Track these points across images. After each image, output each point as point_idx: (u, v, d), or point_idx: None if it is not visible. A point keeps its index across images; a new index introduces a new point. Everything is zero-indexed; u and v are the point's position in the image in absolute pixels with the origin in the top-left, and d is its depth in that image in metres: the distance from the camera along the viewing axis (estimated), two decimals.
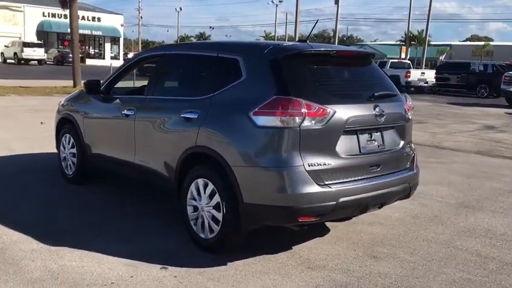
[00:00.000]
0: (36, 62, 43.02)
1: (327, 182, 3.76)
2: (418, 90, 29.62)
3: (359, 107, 4.00)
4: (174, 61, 4.96)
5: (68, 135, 6.17)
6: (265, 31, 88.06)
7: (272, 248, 4.33)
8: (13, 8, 49.26)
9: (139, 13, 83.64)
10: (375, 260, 4.21)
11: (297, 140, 3.67)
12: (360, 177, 3.97)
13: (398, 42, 69.18)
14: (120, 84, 5.78)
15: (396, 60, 35.21)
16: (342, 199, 3.77)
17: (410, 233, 4.91)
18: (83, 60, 39.88)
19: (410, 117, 4.50)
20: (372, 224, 5.13)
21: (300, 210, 3.68)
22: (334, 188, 3.77)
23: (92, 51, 58.46)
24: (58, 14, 47.67)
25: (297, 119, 3.65)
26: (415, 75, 30.12)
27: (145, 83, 5.28)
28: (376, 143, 4.13)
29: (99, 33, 55.21)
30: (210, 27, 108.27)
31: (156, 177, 4.73)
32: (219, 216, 4.01)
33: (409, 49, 59.37)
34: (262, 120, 3.73)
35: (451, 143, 10.92)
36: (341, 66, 4.26)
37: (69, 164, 6.18)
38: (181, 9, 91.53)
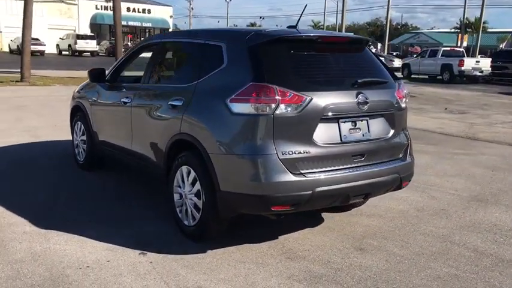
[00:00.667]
0: (89, 53, 44.51)
1: (302, 171, 3.67)
2: (472, 79, 28.37)
3: (339, 94, 3.85)
4: (166, 49, 4.98)
5: (79, 123, 6.34)
6: (313, 20, 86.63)
7: (257, 237, 4.28)
8: (68, 1, 51.04)
9: (190, 4, 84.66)
10: (360, 253, 4.07)
11: (270, 128, 3.59)
12: (340, 167, 3.84)
13: (453, 30, 66.59)
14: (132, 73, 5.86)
15: (449, 49, 33.81)
16: (318, 189, 3.67)
17: (408, 226, 4.73)
18: None
19: (403, 105, 4.31)
20: (370, 215, 4.98)
21: (273, 199, 3.60)
22: (310, 177, 3.67)
23: None
24: (110, 7, 48.93)
25: (271, 106, 3.57)
26: (469, 64, 28.75)
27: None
28: (360, 132, 3.98)
29: (149, 25, 56.41)
30: (261, 17, 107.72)
31: (148, 163, 4.78)
32: (200, 203, 4.00)
33: (467, 37, 56.87)
34: (238, 108, 3.68)
35: (487, 134, 10.41)
36: (327, 52, 4.09)
37: (81, 151, 6.36)
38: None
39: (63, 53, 45.91)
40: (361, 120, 3.98)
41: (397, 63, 37.40)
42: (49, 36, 47.05)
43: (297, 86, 3.67)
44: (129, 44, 44.17)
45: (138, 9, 54.13)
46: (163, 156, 4.41)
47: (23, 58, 18.09)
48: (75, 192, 5.46)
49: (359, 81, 3.96)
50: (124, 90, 5.27)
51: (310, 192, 3.64)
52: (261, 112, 3.58)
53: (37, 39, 42.49)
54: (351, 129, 3.92)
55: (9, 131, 8.74)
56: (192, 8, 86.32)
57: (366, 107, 3.91)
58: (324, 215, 4.91)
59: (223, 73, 3.97)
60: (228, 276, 3.60)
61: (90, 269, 3.63)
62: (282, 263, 3.83)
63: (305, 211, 4.15)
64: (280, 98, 3.58)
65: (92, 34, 47.02)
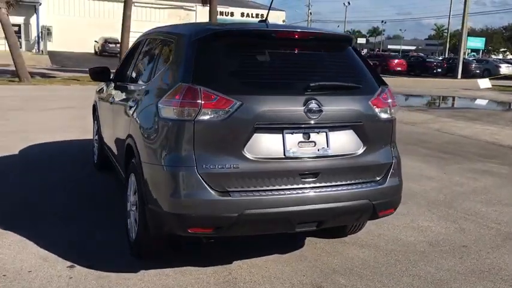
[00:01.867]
0: None
1: (228, 189, 3.08)
2: None
3: (282, 99, 3.18)
4: (143, 46, 4.62)
5: (95, 122, 6.27)
6: (435, 24, 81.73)
7: (210, 259, 3.75)
8: (187, 7, 53.52)
9: (308, 9, 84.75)
10: None
11: (191, 136, 3.05)
12: (281, 187, 3.17)
13: None
14: None
15: None
16: (247, 211, 3.06)
17: (402, 264, 3.87)
18: None
19: (384, 115, 3.50)
20: (364, 245, 4.19)
21: (190, 219, 3.06)
22: (237, 197, 3.07)
23: None
24: (225, 12, 50.50)
25: (192, 111, 3.04)
26: None
27: None
28: (315, 146, 3.26)
29: None
30: (382, 21, 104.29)
31: (119, 168, 4.49)
32: (137, 217, 3.58)
33: None
34: (164, 111, 3.20)
35: None
36: (283, 50, 3.43)
37: (95, 150, 6.28)
38: (349, 3, 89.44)
39: None
40: (318, 133, 3.27)
41: (505, 69, 36.24)
42: None
43: (229, 88, 3.10)
44: None
45: (252, 14, 55.13)
46: (123, 161, 4.08)
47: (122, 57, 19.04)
48: (66, 193, 5.31)
49: (312, 85, 3.24)
50: (116, 89, 5.04)
51: (236, 214, 3.04)
52: (182, 117, 3.07)
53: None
54: (301, 142, 3.23)
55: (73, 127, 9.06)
56: (311, 13, 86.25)
57: (317, 116, 3.20)
58: (308, 239, 4.23)
59: (166, 71, 3.52)
60: None
61: (6, 278, 3.38)
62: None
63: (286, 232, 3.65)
64: (203, 101, 3.03)
65: None
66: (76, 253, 3.78)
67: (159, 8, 52.47)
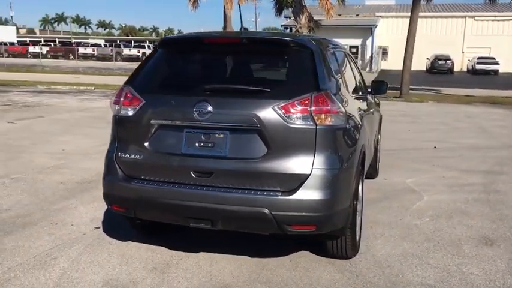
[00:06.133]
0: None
1: (132, 175, 3.55)
2: None
3: (177, 100, 3.41)
4: None
5: None
6: None
7: (185, 247, 4.18)
8: None
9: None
10: None
11: (115, 128, 3.68)
12: (175, 181, 3.41)
13: None
14: None
15: None
16: (143, 197, 3.47)
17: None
18: None
19: (298, 122, 3.23)
20: (340, 268, 3.78)
21: (110, 197, 3.68)
22: (137, 184, 3.51)
23: None
24: None
25: (117, 107, 3.65)
26: None
27: None
28: (213, 147, 3.34)
29: None
30: None
31: None
32: None
33: None
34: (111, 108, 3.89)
35: None
36: (208, 54, 3.67)
37: None
38: None
39: None
40: (218, 134, 3.34)
41: None
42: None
43: (144, 88, 3.57)
44: None
45: None
46: None
47: (403, 75, 19.07)
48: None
49: (206, 87, 3.34)
50: None
51: (136, 198, 3.49)
52: (113, 113, 3.72)
53: (492, 58, 41.94)
54: (200, 142, 3.38)
55: None
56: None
57: (206, 117, 3.30)
58: (302, 253, 4.09)
59: None
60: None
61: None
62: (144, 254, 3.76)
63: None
64: (123, 99, 3.60)
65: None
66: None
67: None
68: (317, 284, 3.56)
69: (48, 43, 62.57)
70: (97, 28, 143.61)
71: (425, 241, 4.40)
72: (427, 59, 43.65)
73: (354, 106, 4.06)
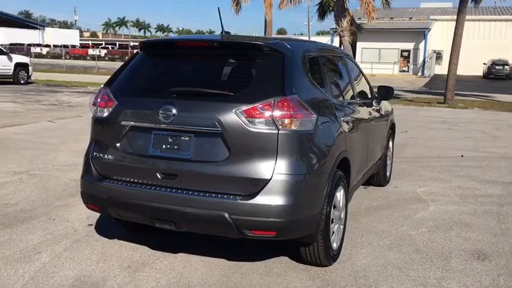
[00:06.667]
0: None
1: (104, 175, 3.66)
2: None
3: (142, 102, 3.50)
4: None
5: None
6: None
7: (166, 247, 4.25)
8: None
9: None
10: None
11: (93, 129, 3.81)
12: (142, 182, 3.48)
13: None
14: None
15: None
16: (111, 196, 3.56)
17: None
18: None
19: (260, 127, 3.22)
20: (305, 271, 3.72)
21: (85, 196, 3.79)
22: (107, 183, 3.61)
23: None
24: None
25: (95, 108, 3.76)
26: None
27: None
28: (178, 149, 3.37)
29: None
30: None
31: None
32: None
33: None
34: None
35: None
36: (180, 58, 3.75)
37: None
38: None
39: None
40: (184, 137, 3.38)
41: None
42: None
43: (118, 90, 3.67)
44: None
45: None
46: None
47: (447, 80, 18.42)
48: None
49: (171, 90, 3.40)
50: None
51: (106, 197, 3.59)
52: (92, 113, 3.84)
53: None
54: (167, 144, 3.43)
55: None
56: None
57: (170, 120, 3.35)
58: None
59: None
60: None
61: None
62: (125, 252, 3.86)
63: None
64: (99, 100, 3.71)
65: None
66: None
67: None
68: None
69: (107, 46, 65.11)
70: (156, 32, 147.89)
71: (413, 252, 4.25)
72: (484, 64, 41.93)
73: (339, 112, 3.99)
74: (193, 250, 4.14)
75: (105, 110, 3.67)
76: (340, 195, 3.94)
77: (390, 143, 6.51)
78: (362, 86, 5.33)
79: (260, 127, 3.23)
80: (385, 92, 5.64)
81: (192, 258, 4.01)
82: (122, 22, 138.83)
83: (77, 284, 3.55)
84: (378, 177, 6.20)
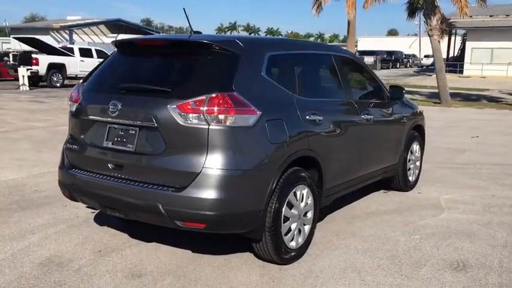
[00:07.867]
0: None
1: (73, 165, 3.98)
2: None
3: (97, 97, 3.78)
4: None
5: None
6: None
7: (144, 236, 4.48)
8: None
9: None
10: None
11: (68, 122, 4.16)
12: (97, 171, 3.75)
13: None
14: None
15: None
16: (74, 184, 3.89)
17: None
18: None
19: (192, 121, 3.32)
20: (260, 267, 3.73)
21: (60, 184, 4.15)
22: (71, 171, 3.95)
23: None
24: None
25: (70, 103, 4.12)
26: None
27: None
28: (125, 142, 3.60)
29: None
30: None
31: None
32: None
33: None
34: None
35: None
36: (141, 56, 3.97)
37: None
38: None
39: None
40: (131, 130, 3.60)
41: None
42: None
43: (86, 87, 4.00)
44: None
45: None
46: None
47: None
48: None
49: (119, 86, 3.64)
50: None
51: (70, 184, 3.93)
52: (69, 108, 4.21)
53: None
54: (118, 137, 3.67)
55: None
56: None
57: (115, 114, 3.59)
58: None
59: None
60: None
61: None
62: (105, 238, 4.17)
63: None
64: (72, 96, 4.06)
65: None
66: None
67: None
68: (227, 283, 3.57)
69: None
70: (265, 35, 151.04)
71: (386, 258, 4.06)
72: None
73: (306, 111, 3.94)
74: (168, 241, 4.30)
75: (75, 105, 4.00)
76: (300, 194, 3.89)
77: (415, 146, 6.17)
78: (362, 86, 5.18)
79: (192, 122, 3.33)
80: (396, 91, 5.46)
81: (161, 248, 4.20)
82: (233, 27, 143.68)
83: (45, 262, 3.89)
84: (397, 182, 5.93)
